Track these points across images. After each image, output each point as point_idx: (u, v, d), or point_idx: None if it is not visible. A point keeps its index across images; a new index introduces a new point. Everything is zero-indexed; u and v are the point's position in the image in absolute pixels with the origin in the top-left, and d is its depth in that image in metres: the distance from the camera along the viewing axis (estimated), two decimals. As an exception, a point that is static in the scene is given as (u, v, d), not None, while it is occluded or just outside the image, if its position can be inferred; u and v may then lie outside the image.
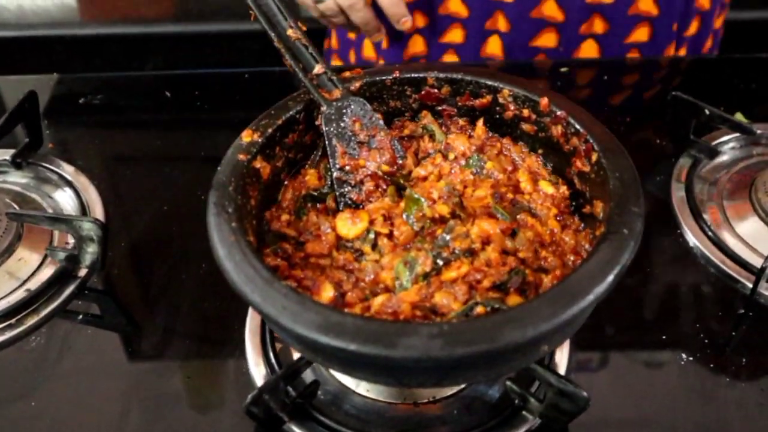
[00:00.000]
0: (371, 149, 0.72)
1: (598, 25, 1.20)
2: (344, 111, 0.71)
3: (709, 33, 1.29)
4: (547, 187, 0.69)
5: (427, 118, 0.76)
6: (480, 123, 0.75)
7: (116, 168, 1.00)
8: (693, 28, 1.26)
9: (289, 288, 0.54)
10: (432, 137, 0.75)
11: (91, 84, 1.16)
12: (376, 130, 0.72)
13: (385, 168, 0.71)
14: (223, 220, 0.59)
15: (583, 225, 0.67)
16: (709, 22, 1.27)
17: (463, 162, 0.72)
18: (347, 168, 0.71)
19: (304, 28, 0.73)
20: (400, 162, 0.72)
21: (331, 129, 0.71)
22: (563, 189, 0.70)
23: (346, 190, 0.71)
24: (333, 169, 0.71)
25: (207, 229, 0.59)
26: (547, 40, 1.22)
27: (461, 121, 0.77)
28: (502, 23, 1.21)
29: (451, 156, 0.73)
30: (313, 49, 0.72)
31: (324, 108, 0.71)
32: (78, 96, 1.13)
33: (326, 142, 0.71)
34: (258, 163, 0.66)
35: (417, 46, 1.27)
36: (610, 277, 0.54)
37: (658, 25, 1.21)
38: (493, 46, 1.24)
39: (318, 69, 0.72)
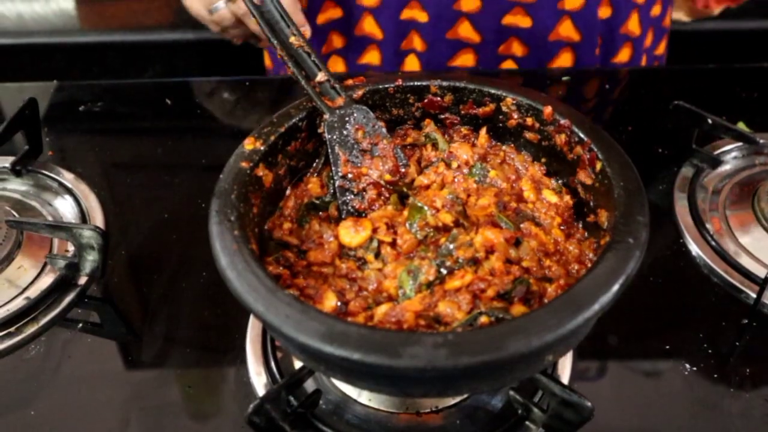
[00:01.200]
0: (374, 157, 0.71)
1: (517, 48, 1.20)
2: (347, 119, 0.71)
3: (644, 60, 1.29)
4: (550, 196, 0.69)
5: (429, 127, 0.76)
6: (483, 131, 0.75)
7: (116, 175, 0.99)
8: (624, 55, 1.25)
9: (292, 297, 0.53)
10: (435, 146, 0.75)
11: (91, 91, 1.16)
12: (378, 138, 0.72)
13: (388, 177, 0.71)
14: (226, 228, 0.58)
15: (586, 234, 0.67)
16: (640, 49, 1.26)
17: (466, 170, 0.72)
18: (350, 176, 0.70)
19: (307, 35, 0.72)
20: (403, 170, 0.72)
21: (334, 137, 0.71)
22: (567, 198, 0.69)
23: (349, 198, 0.70)
24: (335, 177, 0.70)
25: (209, 237, 0.58)
26: (465, 60, 1.22)
27: (464, 130, 0.76)
28: (418, 43, 1.21)
29: (454, 164, 0.73)
30: (316, 57, 0.72)
31: (326, 116, 0.70)
32: (78, 103, 1.13)
33: (329, 150, 0.71)
34: (260, 171, 0.66)
35: (337, 66, 1.27)
36: (616, 287, 0.53)
37: (581, 51, 1.21)
38: (411, 65, 1.23)
39: (321, 77, 0.71)
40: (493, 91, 0.73)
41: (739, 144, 0.99)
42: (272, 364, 0.74)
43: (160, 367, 0.76)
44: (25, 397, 0.73)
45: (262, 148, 0.66)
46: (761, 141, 0.98)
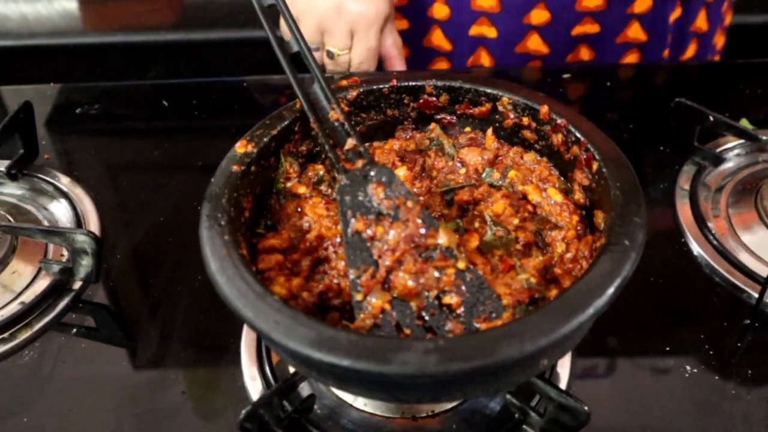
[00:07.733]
0: (395, 222, 0.60)
1: (585, 53, 1.20)
2: (365, 177, 0.62)
3: (708, 54, 1.28)
4: (555, 195, 0.67)
5: (435, 131, 0.74)
6: (489, 132, 0.73)
7: (112, 178, 0.99)
8: (690, 51, 1.25)
9: (281, 302, 0.53)
10: (441, 150, 0.73)
11: (88, 93, 1.15)
12: (401, 199, 0.60)
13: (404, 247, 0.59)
14: (216, 233, 0.58)
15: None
16: (708, 44, 1.26)
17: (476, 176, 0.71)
18: (364, 235, 0.60)
19: (347, 109, 0.71)
20: (426, 235, 0.59)
21: (346, 200, 0.61)
22: (578, 196, 0.68)
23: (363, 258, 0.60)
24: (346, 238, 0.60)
25: (199, 241, 0.58)
26: (531, 72, 1.21)
27: (469, 131, 0.75)
28: (485, 59, 1.21)
29: (462, 171, 0.71)
30: (348, 125, 0.66)
31: (342, 177, 0.63)
32: (75, 106, 1.12)
33: (340, 213, 0.62)
34: (252, 175, 0.65)
35: None
36: (611, 290, 0.52)
37: (647, 50, 1.20)
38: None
39: (349, 144, 0.65)
40: (488, 91, 0.72)
41: (742, 141, 0.98)
42: (267, 367, 0.73)
43: (156, 372, 0.76)
44: (18, 404, 0.72)
45: (254, 150, 0.66)
46: (764, 138, 0.96)
